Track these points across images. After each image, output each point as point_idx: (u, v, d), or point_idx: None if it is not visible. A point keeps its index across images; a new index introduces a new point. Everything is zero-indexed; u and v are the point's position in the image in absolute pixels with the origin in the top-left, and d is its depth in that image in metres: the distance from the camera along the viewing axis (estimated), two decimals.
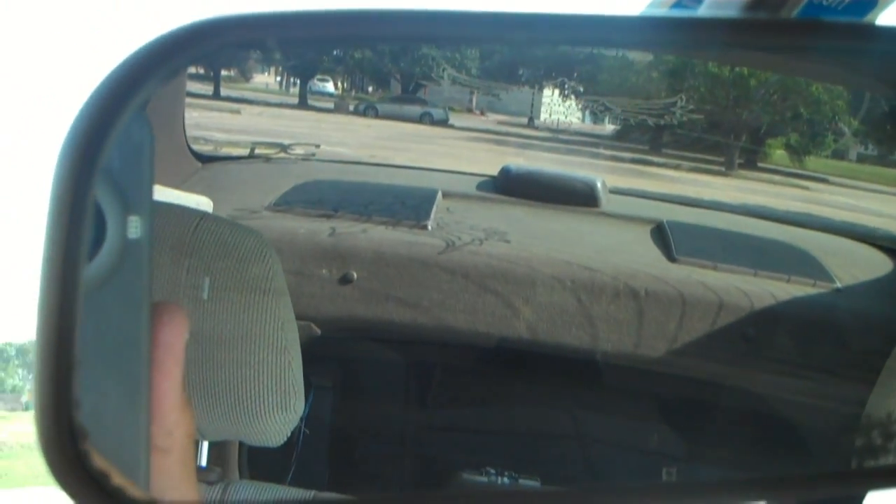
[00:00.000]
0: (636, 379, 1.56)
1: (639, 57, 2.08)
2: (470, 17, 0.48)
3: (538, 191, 1.73)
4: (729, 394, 1.57)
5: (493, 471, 1.52)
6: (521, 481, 1.52)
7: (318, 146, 2.09)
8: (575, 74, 2.57)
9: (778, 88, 2.19)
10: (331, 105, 2.65)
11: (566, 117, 2.60)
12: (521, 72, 2.64)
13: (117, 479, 0.42)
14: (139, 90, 0.43)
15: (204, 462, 1.24)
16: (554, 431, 1.70)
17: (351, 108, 2.75)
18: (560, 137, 2.63)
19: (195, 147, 1.76)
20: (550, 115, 2.65)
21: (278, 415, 0.87)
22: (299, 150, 1.98)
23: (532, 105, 2.67)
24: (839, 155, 2.36)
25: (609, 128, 2.62)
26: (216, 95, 2.25)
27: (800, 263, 1.61)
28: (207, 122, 1.94)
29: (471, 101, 2.67)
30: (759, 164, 2.43)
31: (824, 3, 0.88)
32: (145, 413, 0.45)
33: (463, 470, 1.53)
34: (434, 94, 2.65)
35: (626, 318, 1.50)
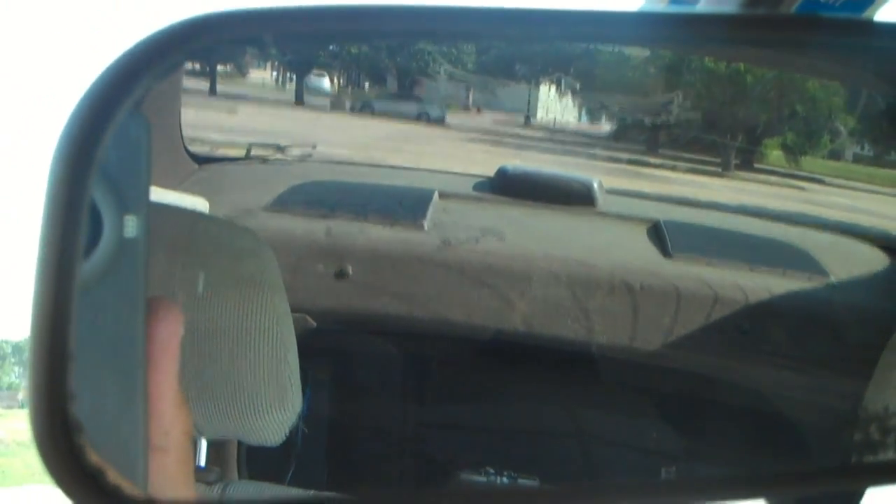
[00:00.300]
0: (632, 374, 1.57)
1: (635, 52, 2.08)
2: (465, 13, 0.48)
3: (535, 191, 1.74)
4: (725, 389, 1.58)
5: (492, 470, 1.53)
6: (520, 482, 1.52)
7: (314, 146, 2.09)
8: (571, 70, 2.57)
9: (775, 85, 2.19)
10: (327, 103, 2.64)
11: (563, 115, 2.61)
12: (517, 68, 2.64)
13: (113, 477, 0.42)
14: (135, 86, 0.43)
15: (203, 462, 1.24)
16: (551, 429, 1.71)
17: (348, 105, 2.74)
18: (556, 137, 2.63)
19: (192, 148, 1.76)
20: (547, 113, 2.65)
21: (276, 412, 0.87)
22: (296, 151, 1.98)
23: (528, 102, 2.67)
24: (835, 155, 2.36)
25: (606, 127, 2.62)
26: (212, 92, 2.24)
27: (795, 259, 1.63)
28: (204, 121, 1.93)
29: (467, 97, 2.67)
30: (756, 165, 2.43)
31: None
32: (142, 411, 0.45)
33: (462, 470, 1.54)
34: (430, 90, 2.65)
35: (622, 312, 1.52)
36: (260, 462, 1.44)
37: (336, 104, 2.67)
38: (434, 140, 2.69)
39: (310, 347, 1.11)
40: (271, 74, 2.60)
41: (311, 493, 1.00)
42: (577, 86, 2.63)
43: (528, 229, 1.69)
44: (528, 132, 2.67)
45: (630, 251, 1.61)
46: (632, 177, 2.31)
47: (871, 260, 1.65)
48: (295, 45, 1.93)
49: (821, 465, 1.20)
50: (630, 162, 2.40)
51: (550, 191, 1.73)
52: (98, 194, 0.43)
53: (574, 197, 1.72)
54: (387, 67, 2.67)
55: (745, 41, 0.69)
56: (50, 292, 0.40)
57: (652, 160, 2.40)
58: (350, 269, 1.52)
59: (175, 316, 0.47)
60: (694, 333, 1.50)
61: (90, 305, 0.43)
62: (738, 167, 2.39)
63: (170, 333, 0.47)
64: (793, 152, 2.38)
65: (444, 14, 0.49)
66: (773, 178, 2.39)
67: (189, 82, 1.91)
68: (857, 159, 2.32)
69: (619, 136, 2.51)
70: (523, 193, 1.73)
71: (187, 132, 1.72)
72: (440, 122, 2.73)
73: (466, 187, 1.78)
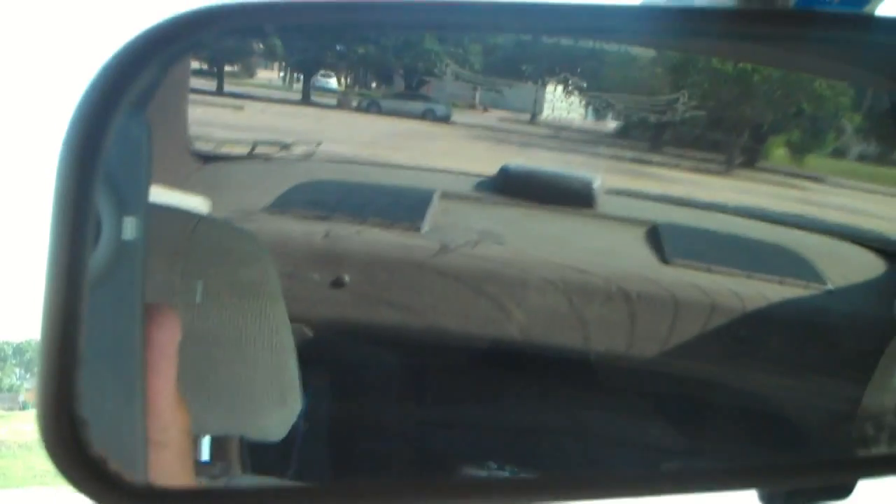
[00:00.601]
0: (630, 379, 1.57)
1: (642, 52, 2.08)
2: (468, 6, 0.48)
3: (535, 190, 1.74)
4: (722, 395, 1.58)
5: (494, 465, 1.53)
6: (522, 476, 1.52)
7: (319, 144, 2.09)
8: (578, 70, 2.57)
9: (781, 84, 2.18)
10: (334, 101, 2.65)
11: (568, 114, 2.60)
12: (524, 67, 2.64)
13: (114, 466, 0.43)
14: (135, 79, 0.43)
15: (206, 457, 1.25)
16: (550, 427, 1.71)
17: (354, 104, 2.75)
18: (561, 135, 2.63)
19: (197, 145, 1.77)
20: (553, 112, 2.65)
21: (276, 410, 0.88)
22: (300, 149, 1.98)
23: (535, 101, 2.67)
24: (840, 154, 2.35)
25: (611, 125, 2.62)
26: (219, 91, 2.25)
27: (792, 265, 1.63)
28: (210, 118, 1.94)
29: (474, 97, 2.67)
30: (759, 164, 2.42)
31: None
32: (141, 409, 0.46)
33: (463, 464, 1.54)
34: (437, 89, 2.65)
35: (619, 320, 1.52)
36: (263, 458, 1.45)
37: (343, 103, 2.68)
38: (438, 137, 2.69)
39: (307, 356, 1.12)
40: (279, 74, 2.61)
41: (312, 485, 1.00)
42: (584, 85, 2.63)
43: (526, 232, 1.69)
44: (533, 129, 2.67)
45: (628, 257, 1.62)
46: (635, 175, 2.31)
47: (869, 265, 1.65)
48: (297, 37, 1.93)
49: (813, 457, 1.20)
50: (633, 160, 2.40)
51: (551, 190, 1.73)
52: (98, 195, 0.43)
53: (574, 196, 1.73)
54: (394, 67, 2.67)
55: (744, 35, 0.69)
56: (60, 293, 0.40)
57: (655, 158, 2.40)
58: (347, 278, 1.52)
59: (173, 322, 0.48)
60: (691, 341, 1.50)
61: (90, 306, 0.43)
62: (741, 165, 2.38)
63: (168, 339, 0.48)
64: (797, 150, 2.38)
65: (448, 7, 0.49)
66: (776, 177, 2.38)
67: (196, 82, 1.91)
68: (861, 158, 2.31)
69: (624, 134, 2.51)
70: (524, 193, 1.73)
71: (193, 130, 1.73)
72: (445, 119, 2.73)
73: (468, 186, 1.78)
